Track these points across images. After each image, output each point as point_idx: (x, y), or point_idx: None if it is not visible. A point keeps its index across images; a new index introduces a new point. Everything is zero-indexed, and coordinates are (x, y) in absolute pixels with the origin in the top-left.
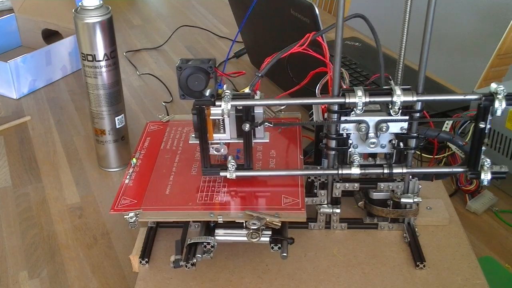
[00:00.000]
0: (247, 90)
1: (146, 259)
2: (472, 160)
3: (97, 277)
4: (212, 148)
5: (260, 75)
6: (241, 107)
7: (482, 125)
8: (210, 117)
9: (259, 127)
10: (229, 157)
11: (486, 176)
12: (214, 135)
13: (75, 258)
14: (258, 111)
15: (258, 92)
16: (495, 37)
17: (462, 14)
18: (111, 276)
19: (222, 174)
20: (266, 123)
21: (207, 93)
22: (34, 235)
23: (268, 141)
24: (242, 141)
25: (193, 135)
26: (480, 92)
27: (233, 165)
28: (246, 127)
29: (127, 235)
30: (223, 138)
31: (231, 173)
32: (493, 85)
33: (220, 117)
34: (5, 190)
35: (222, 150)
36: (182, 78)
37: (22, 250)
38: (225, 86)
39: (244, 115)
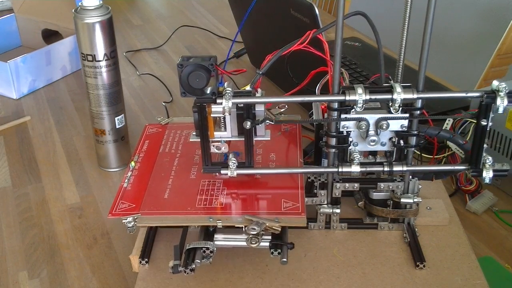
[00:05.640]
0: (248, 88)
1: (146, 259)
2: (474, 158)
3: (97, 277)
4: (213, 146)
5: (261, 72)
6: (242, 105)
7: (484, 123)
8: (211, 115)
9: (260, 125)
10: (230, 155)
11: (488, 174)
12: (215, 133)
13: (75, 258)
14: (259, 109)
15: (259, 90)
16: (495, 37)
17: (462, 14)
18: (111, 276)
19: (223, 171)
20: (267, 121)
21: (208, 90)
22: (34, 235)
23: (269, 139)
24: (243, 139)
25: (194, 133)
26: (482, 90)
27: (234, 162)
28: (247, 124)
29: (127, 235)
30: (224, 136)
31: (232, 171)
32: (495, 83)
33: (221, 115)
34: (5, 190)
35: (223, 148)
36: (183, 75)
37: (22, 250)
38: (226, 84)
39: (245, 113)
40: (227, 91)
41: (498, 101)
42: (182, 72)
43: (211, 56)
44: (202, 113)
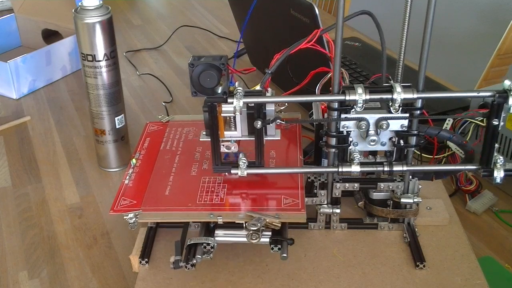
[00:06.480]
0: (257, 87)
1: (146, 259)
2: (485, 158)
3: (97, 277)
4: (223, 145)
5: (270, 71)
6: (252, 104)
7: (495, 123)
8: (221, 115)
9: (271, 124)
10: (240, 154)
11: (499, 174)
12: (225, 132)
13: (75, 258)
14: (270, 108)
15: (269, 89)
16: (495, 37)
17: (462, 14)
18: (111, 276)
19: (233, 171)
20: (278, 120)
21: (219, 90)
22: (34, 235)
23: (279, 138)
24: (253, 138)
25: (204, 133)
26: (494, 89)
27: (245, 162)
28: (258, 124)
29: (127, 235)
30: (234, 135)
31: (242, 171)
32: (507, 82)
33: (231, 115)
34: (5, 190)
35: (232, 148)
36: (194, 75)
37: (22, 250)
38: (236, 83)
39: (256, 113)
40: (238, 91)
41: (510, 100)
42: (193, 72)
43: (222, 55)
44: (213, 113)
